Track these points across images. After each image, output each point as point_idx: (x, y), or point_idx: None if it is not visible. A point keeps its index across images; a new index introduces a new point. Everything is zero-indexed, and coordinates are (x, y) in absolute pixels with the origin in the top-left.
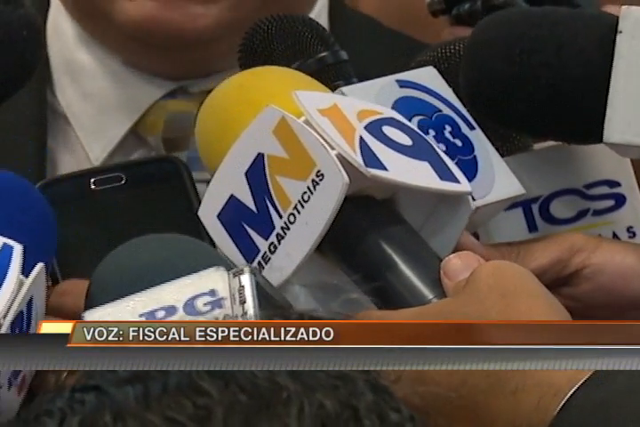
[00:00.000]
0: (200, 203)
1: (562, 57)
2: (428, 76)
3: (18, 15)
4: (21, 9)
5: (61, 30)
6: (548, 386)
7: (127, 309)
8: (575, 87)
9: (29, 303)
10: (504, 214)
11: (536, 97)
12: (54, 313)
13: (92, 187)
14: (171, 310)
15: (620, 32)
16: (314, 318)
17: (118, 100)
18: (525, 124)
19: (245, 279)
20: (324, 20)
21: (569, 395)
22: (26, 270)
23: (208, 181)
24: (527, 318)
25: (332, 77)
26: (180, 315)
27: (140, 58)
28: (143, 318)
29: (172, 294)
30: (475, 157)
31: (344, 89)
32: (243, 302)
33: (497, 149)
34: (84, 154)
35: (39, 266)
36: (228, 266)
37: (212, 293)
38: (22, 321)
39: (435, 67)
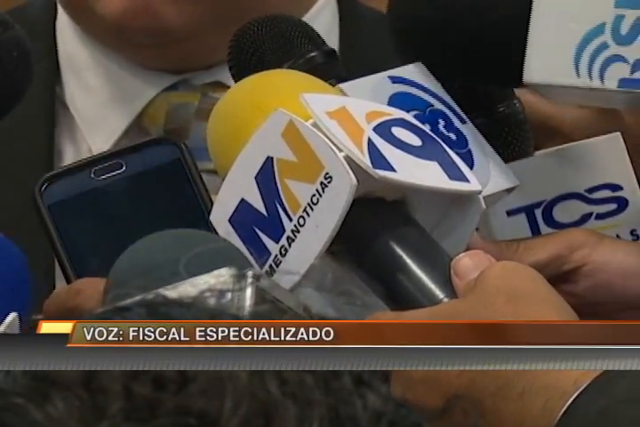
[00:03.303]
0: (203, 184)
1: (486, 1)
2: (417, 71)
3: (8, 36)
4: (11, 30)
5: (63, 26)
6: (555, 389)
7: None
8: (500, 29)
9: None
10: (507, 220)
11: (462, 41)
12: (71, 314)
13: (93, 177)
14: None
15: None
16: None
17: (120, 93)
18: (454, 68)
19: (245, 284)
20: (329, 15)
21: (571, 400)
22: None
23: (213, 172)
24: None
25: (324, 77)
26: None
27: (132, 54)
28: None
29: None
30: (470, 150)
31: (341, 86)
32: (238, 308)
33: None
34: (87, 146)
35: (12, 316)
36: (244, 262)
37: (222, 294)
38: None
39: None
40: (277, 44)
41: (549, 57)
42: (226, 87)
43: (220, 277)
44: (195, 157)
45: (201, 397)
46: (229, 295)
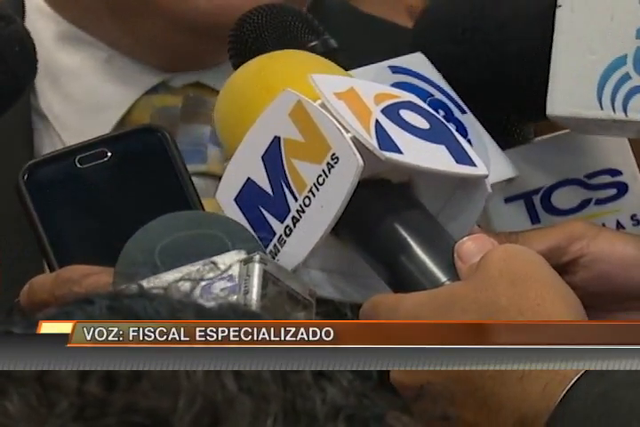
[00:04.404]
0: (187, 172)
1: (503, 34)
2: (417, 61)
3: (10, 31)
4: (13, 25)
5: (38, 33)
6: (554, 373)
7: None
8: (517, 63)
9: None
10: (506, 207)
11: (480, 75)
12: (58, 302)
13: (78, 165)
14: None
15: (560, 6)
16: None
17: (101, 99)
18: (475, 101)
19: (253, 269)
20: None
21: (572, 383)
22: None
23: (202, 174)
24: (536, 306)
25: None
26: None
27: (155, 49)
28: None
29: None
30: (469, 140)
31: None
32: (246, 292)
33: (497, 142)
34: None
35: None
36: (256, 244)
37: (231, 278)
38: None
39: None
40: (278, 34)
41: (572, 90)
42: (206, 88)
43: (224, 260)
44: (184, 159)
45: (154, 393)
46: (236, 279)
